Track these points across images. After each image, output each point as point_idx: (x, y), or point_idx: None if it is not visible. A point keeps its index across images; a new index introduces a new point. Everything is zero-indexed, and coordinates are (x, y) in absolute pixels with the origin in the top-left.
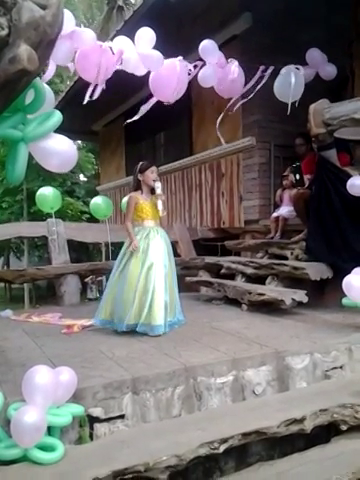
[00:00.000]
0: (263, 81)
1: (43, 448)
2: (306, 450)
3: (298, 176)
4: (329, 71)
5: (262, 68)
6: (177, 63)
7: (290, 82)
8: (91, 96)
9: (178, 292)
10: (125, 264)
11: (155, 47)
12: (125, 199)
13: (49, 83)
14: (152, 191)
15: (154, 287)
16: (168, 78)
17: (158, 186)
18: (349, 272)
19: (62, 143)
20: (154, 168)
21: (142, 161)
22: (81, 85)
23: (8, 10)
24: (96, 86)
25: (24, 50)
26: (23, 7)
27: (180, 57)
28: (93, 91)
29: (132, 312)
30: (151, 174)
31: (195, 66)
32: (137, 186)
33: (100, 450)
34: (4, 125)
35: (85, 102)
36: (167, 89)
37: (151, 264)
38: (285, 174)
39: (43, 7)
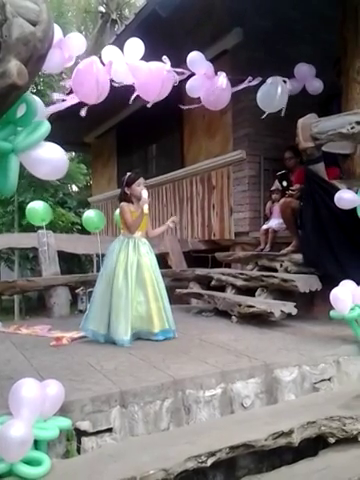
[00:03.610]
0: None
1: (29, 462)
2: (294, 463)
3: (285, 183)
4: (316, 86)
5: (249, 79)
6: (164, 67)
7: (275, 92)
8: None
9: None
10: (118, 277)
11: (146, 61)
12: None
13: (41, 95)
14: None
15: (148, 297)
16: (153, 80)
17: (144, 193)
18: (338, 284)
19: (52, 151)
20: (141, 180)
21: (129, 172)
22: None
23: None
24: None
25: (14, 65)
26: (13, 23)
27: (167, 60)
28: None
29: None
30: (138, 187)
31: (182, 73)
32: (126, 198)
33: (87, 464)
34: None
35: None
36: (151, 90)
37: (143, 276)
38: (273, 189)
39: (34, 23)
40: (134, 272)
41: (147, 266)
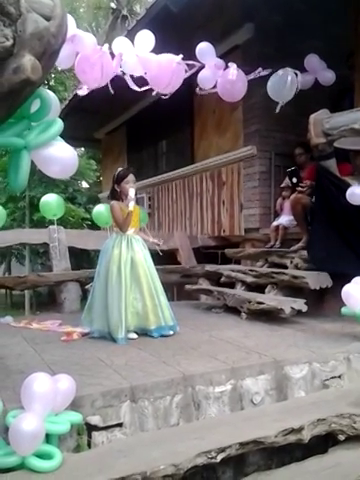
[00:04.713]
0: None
1: (41, 456)
2: (304, 460)
3: (295, 180)
4: (328, 77)
5: (259, 69)
6: (175, 59)
7: (285, 80)
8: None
9: (167, 298)
10: (113, 274)
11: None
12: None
13: (53, 91)
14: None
15: (143, 293)
16: (163, 71)
17: (131, 192)
18: (349, 281)
19: (63, 150)
20: (130, 177)
21: (121, 168)
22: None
23: (13, 21)
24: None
25: (28, 60)
26: (28, 18)
27: (181, 55)
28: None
29: (127, 320)
30: (126, 185)
31: (192, 65)
32: (116, 196)
33: (98, 458)
34: (9, 132)
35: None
36: (162, 80)
37: (137, 273)
38: (283, 186)
39: (48, 18)
40: (128, 269)
41: (141, 262)
